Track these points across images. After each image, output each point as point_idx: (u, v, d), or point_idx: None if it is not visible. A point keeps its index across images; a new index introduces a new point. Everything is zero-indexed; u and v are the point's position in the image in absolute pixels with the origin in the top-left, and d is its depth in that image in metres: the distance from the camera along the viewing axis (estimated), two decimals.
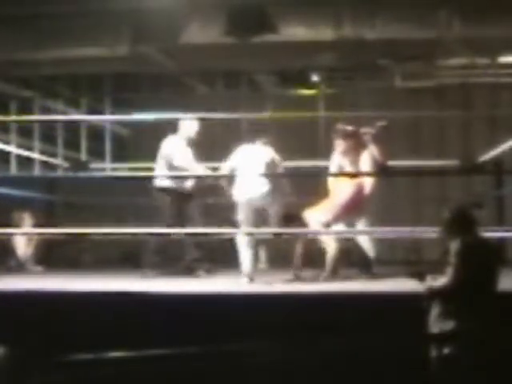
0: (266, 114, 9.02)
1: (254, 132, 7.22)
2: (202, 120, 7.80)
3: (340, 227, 7.37)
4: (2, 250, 8.96)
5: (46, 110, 10.41)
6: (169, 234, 7.52)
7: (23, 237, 9.07)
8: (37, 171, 10.25)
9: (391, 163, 7.89)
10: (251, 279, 6.93)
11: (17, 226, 8.89)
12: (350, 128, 7.36)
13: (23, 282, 7.28)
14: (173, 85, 11.02)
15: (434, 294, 4.67)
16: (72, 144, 10.74)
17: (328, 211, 7.12)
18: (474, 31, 7.93)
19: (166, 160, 7.70)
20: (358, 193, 7.22)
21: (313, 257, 7.26)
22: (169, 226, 7.36)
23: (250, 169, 7.00)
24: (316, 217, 7.07)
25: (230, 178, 7.07)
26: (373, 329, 5.20)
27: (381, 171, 7.44)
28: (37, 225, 8.95)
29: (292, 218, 7.17)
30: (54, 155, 10.56)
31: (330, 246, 7.07)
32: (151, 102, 10.63)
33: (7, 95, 10.04)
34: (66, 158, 10.56)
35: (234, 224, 7.17)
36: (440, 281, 4.66)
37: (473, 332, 4.53)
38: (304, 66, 10.31)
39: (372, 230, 7.44)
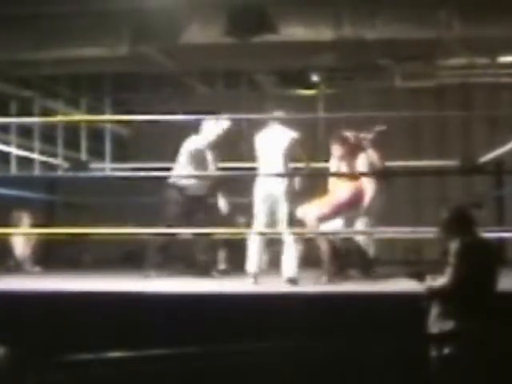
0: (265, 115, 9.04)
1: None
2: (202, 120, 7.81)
3: (337, 225, 7.37)
4: (1, 251, 8.96)
5: (46, 110, 10.41)
6: (171, 234, 7.50)
7: (22, 237, 9.07)
8: (37, 171, 10.25)
9: (391, 164, 7.92)
10: (256, 279, 6.82)
11: (16, 226, 8.89)
12: (347, 134, 7.37)
13: (23, 282, 7.28)
14: (173, 85, 11.01)
15: (433, 294, 4.67)
16: (72, 144, 10.74)
17: (324, 207, 7.11)
18: (474, 31, 7.93)
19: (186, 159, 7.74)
20: (356, 195, 7.22)
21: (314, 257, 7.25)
22: (171, 225, 7.34)
23: (269, 156, 6.98)
24: (311, 211, 7.04)
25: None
26: (372, 329, 5.20)
27: (379, 173, 7.47)
28: (36, 225, 8.94)
29: None
30: (54, 155, 10.56)
31: (323, 244, 7.02)
32: (151, 101, 10.64)
33: (7, 95, 10.04)
34: (65, 158, 10.56)
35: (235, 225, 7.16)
36: (439, 281, 4.66)
37: (472, 332, 4.53)
38: (304, 66, 10.31)
39: (372, 230, 7.44)
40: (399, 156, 8.08)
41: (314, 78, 11.05)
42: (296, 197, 7.07)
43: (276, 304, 5.56)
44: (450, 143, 11.21)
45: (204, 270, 7.73)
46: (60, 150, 10.63)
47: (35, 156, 10.21)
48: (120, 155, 11.12)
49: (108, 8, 7.85)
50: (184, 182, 7.77)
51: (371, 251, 7.48)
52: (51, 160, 10.48)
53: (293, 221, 6.97)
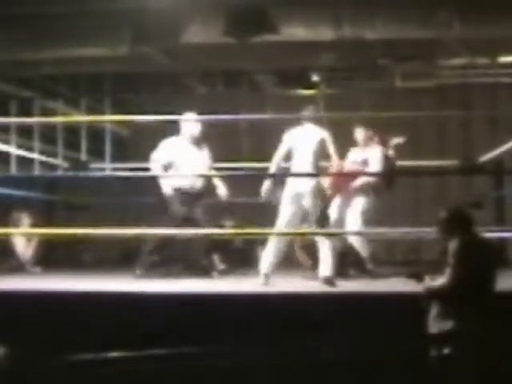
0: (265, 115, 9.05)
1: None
2: (201, 120, 7.80)
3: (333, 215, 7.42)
4: (2, 251, 8.96)
5: (46, 110, 10.41)
6: (170, 235, 7.49)
7: (22, 237, 9.07)
8: (37, 171, 10.25)
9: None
10: (266, 281, 6.72)
11: (16, 226, 8.89)
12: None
13: (23, 282, 7.28)
14: (173, 85, 11.01)
15: (432, 294, 4.67)
16: (72, 144, 10.74)
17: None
18: (474, 31, 7.93)
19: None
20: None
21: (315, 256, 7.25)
22: (167, 226, 7.32)
23: (301, 154, 6.96)
24: None
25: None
26: (372, 329, 5.21)
27: (383, 171, 7.51)
28: (36, 225, 8.94)
29: None
30: (54, 155, 10.56)
31: (324, 243, 6.98)
32: (151, 101, 10.63)
33: (7, 95, 10.04)
34: (65, 158, 10.55)
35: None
36: (438, 281, 4.66)
37: (472, 332, 4.53)
38: (304, 66, 10.31)
39: (372, 230, 7.45)
40: (399, 156, 8.09)
41: (314, 77, 11.05)
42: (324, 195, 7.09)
43: (275, 304, 5.56)
44: (449, 143, 11.21)
45: (203, 270, 7.72)
46: (60, 149, 10.62)
47: (35, 156, 10.21)
48: (120, 155, 11.11)
49: (108, 8, 7.84)
50: (175, 181, 7.72)
51: (366, 250, 7.46)
52: (51, 160, 10.48)
53: (323, 219, 6.97)
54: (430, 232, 5.47)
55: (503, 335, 4.58)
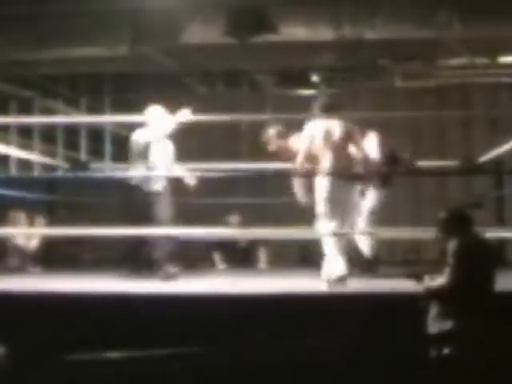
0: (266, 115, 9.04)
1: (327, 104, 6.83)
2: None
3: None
4: (2, 251, 8.96)
5: (46, 110, 10.41)
6: (174, 235, 7.42)
7: (22, 237, 9.07)
8: (36, 171, 10.25)
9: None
10: (332, 286, 6.32)
11: (13, 226, 8.88)
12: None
13: (23, 282, 7.28)
14: (173, 85, 11.01)
15: (432, 294, 4.67)
16: (72, 144, 10.74)
17: None
18: (474, 31, 7.93)
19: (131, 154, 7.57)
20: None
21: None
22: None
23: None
24: None
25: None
26: (372, 329, 5.21)
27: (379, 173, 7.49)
28: (35, 225, 8.94)
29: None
30: (53, 155, 10.56)
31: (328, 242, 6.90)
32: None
33: (7, 95, 10.03)
34: (65, 158, 10.55)
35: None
36: (438, 281, 4.66)
37: (471, 332, 4.53)
38: (304, 66, 10.31)
39: (372, 231, 7.44)
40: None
41: (314, 77, 11.05)
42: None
43: (274, 305, 5.56)
44: (449, 143, 11.21)
45: (150, 267, 7.55)
46: (60, 150, 10.62)
47: (35, 156, 10.21)
48: (120, 155, 11.11)
49: (108, 8, 7.85)
50: (137, 179, 7.48)
51: (369, 250, 7.45)
52: (51, 160, 10.48)
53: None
54: (430, 232, 5.46)
55: (503, 335, 4.58)
